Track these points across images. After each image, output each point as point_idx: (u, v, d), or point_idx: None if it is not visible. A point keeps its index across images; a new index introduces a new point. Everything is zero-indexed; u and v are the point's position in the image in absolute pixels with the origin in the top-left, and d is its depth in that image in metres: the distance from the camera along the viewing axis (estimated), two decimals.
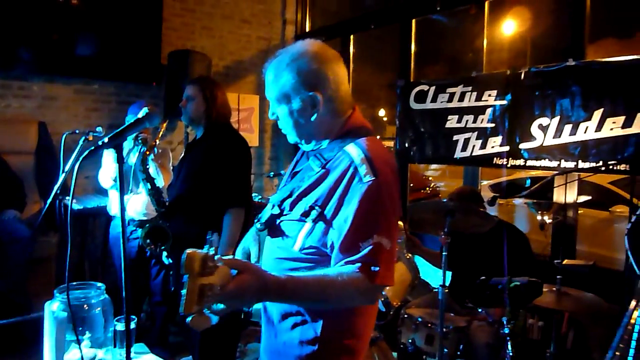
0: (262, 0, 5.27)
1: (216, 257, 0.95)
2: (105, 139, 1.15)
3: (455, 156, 3.59)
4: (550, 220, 3.19)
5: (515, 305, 2.15)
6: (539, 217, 3.23)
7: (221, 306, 0.97)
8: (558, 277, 2.26)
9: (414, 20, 4.11)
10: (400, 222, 3.43)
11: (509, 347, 2.16)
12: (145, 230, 2.37)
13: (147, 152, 2.52)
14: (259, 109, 5.02)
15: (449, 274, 2.87)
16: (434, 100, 3.74)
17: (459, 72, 6.89)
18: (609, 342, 1.37)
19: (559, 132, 2.96)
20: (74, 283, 1.67)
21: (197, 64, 4.27)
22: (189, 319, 0.89)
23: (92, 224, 3.93)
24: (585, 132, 2.84)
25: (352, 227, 1.09)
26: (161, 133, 2.55)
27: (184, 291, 0.87)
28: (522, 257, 2.40)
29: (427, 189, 8.89)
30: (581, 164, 2.84)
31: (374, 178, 1.10)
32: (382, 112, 15.67)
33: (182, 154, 2.60)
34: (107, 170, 3.16)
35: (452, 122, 3.61)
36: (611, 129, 2.72)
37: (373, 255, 1.07)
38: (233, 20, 5.09)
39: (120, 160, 1.18)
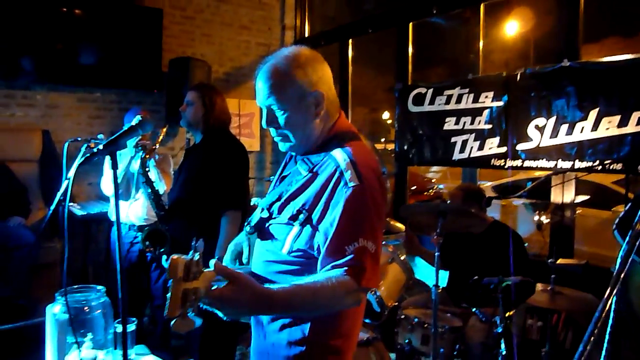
0: (261, 7, 5.31)
1: (211, 262, 0.98)
2: (100, 146, 1.20)
3: (453, 158, 3.61)
4: (547, 220, 3.20)
5: (507, 304, 2.17)
6: (535, 217, 3.24)
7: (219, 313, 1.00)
8: (552, 276, 2.28)
9: (410, 24, 4.13)
10: (400, 224, 3.46)
11: (502, 346, 2.18)
12: (145, 233, 2.43)
13: (147, 156, 2.59)
14: (260, 115, 5.08)
15: (447, 274, 2.90)
16: (431, 102, 3.77)
17: (458, 75, 6.90)
18: None
19: (555, 133, 2.98)
20: (75, 286, 1.71)
21: (198, 71, 4.33)
22: (172, 322, 0.92)
23: (95, 230, 3.99)
24: (581, 132, 2.85)
25: (337, 230, 1.11)
26: (161, 138, 2.62)
27: (168, 295, 0.91)
28: (516, 257, 2.41)
29: (430, 191, 8.88)
30: (578, 164, 2.86)
31: (358, 183, 1.13)
32: (386, 115, 15.69)
33: (182, 160, 2.66)
34: (108, 177, 3.21)
35: (449, 124, 3.63)
36: (607, 129, 2.74)
37: (359, 259, 1.09)
38: (232, 26, 5.14)
39: (115, 166, 1.22)
